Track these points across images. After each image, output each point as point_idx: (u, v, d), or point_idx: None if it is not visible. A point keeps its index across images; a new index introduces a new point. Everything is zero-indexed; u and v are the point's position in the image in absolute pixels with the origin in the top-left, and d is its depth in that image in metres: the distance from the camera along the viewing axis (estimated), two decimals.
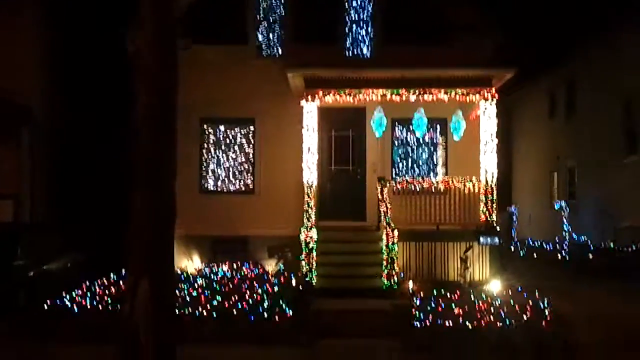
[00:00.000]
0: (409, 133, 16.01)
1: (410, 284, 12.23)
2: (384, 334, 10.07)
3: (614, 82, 19.95)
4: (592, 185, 21.57)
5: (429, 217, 13.56)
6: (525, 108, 29.51)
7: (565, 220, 21.40)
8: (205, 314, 10.09)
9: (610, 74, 20.24)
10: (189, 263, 15.46)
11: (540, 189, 26.65)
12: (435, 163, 16.22)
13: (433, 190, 14.58)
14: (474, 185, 13.51)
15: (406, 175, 15.83)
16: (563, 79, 24.27)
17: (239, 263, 14.44)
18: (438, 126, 15.82)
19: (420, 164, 16.25)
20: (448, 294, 11.35)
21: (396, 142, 16.13)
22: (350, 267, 12.63)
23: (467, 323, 9.91)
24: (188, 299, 10.63)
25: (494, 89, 13.56)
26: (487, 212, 13.34)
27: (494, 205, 13.40)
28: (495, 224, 13.39)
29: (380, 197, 13.07)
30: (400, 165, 16.21)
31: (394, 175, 15.72)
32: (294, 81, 13.73)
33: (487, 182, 13.45)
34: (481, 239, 13.25)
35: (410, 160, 16.25)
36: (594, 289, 14.87)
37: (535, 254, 23.11)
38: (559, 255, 21.10)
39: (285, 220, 15.00)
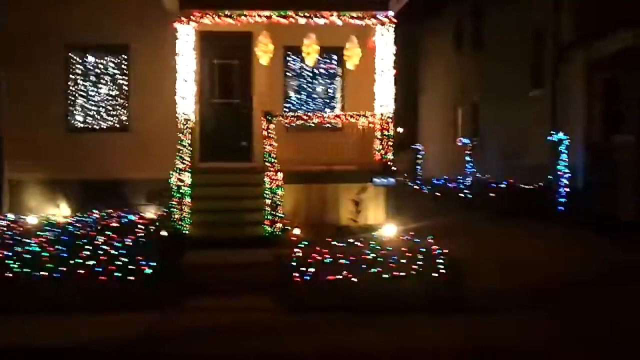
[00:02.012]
0: (302, 63, 14.51)
1: (297, 231, 11.01)
2: (260, 290, 8.82)
3: (523, 14, 19.07)
4: (497, 121, 20.94)
5: (320, 156, 12.27)
6: (431, 40, 28.57)
7: (468, 158, 20.78)
8: (41, 275, 8.46)
9: (519, 5, 19.32)
10: (57, 211, 13.67)
11: (446, 126, 25.99)
12: (331, 97, 14.90)
13: (327, 126, 13.31)
14: (368, 121, 12.27)
15: (299, 111, 14.45)
16: (471, 9, 23.29)
17: (111, 211, 12.78)
18: (335, 56, 14.42)
19: (315, 97, 14.88)
20: (337, 242, 10.21)
21: (288, 73, 14.65)
22: (230, 214, 11.23)
23: (353, 274, 8.77)
24: (30, 255, 8.96)
25: (391, 13, 12.19)
26: (382, 150, 12.17)
27: (390, 143, 12.23)
28: (391, 163, 12.26)
29: (265, 134, 11.62)
30: (294, 99, 14.78)
31: (286, 111, 14.31)
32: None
33: (382, 116, 12.23)
34: (375, 180, 12.12)
35: (304, 93, 14.84)
36: (495, 229, 14.24)
37: (438, 193, 22.63)
38: (460, 193, 20.60)
39: (165, 162, 13.31)
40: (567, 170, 15.00)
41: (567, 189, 14.96)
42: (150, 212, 13.31)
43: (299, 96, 14.82)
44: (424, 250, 9.77)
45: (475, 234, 13.40)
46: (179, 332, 7.47)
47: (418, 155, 28.39)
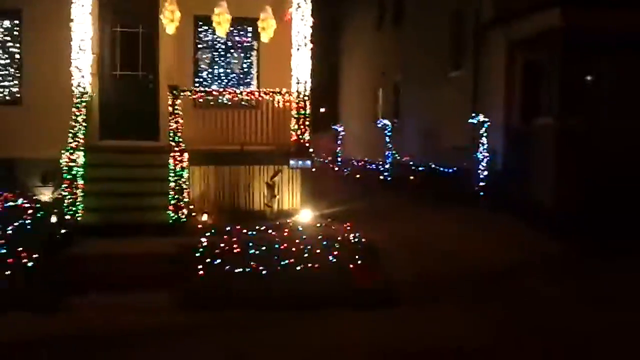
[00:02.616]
0: (215, 35, 13.51)
1: (205, 217, 10.14)
2: (158, 285, 7.91)
3: None
4: (418, 102, 20.56)
5: (232, 136, 11.40)
6: (353, 19, 27.96)
7: (387, 140, 20.32)
8: None
9: None
10: None
11: (367, 106, 25.49)
12: (247, 72, 13.93)
13: (242, 104, 12.38)
14: (284, 99, 11.47)
15: (212, 86, 13.44)
16: None
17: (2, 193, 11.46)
18: (250, 29, 13.47)
19: (230, 73, 13.87)
20: (249, 229, 9.42)
21: (200, 46, 13.58)
22: (131, 198, 10.21)
23: (263, 266, 8.00)
24: None
25: None
26: (299, 131, 11.41)
27: (307, 122, 11.49)
28: (308, 144, 11.53)
29: (170, 110, 10.64)
30: (206, 74, 13.73)
31: (197, 86, 13.27)
32: None
33: (299, 94, 11.46)
34: (291, 162, 11.38)
35: (217, 68, 13.80)
36: (414, 213, 13.80)
37: (358, 175, 22.15)
38: (380, 176, 20.16)
39: (65, 139, 12.07)
40: (487, 154, 14.70)
41: (487, 173, 14.66)
42: (46, 196, 12.12)
43: (211, 71, 13.76)
44: (341, 237, 9.12)
45: (394, 219, 12.90)
46: (49, 338, 6.46)
47: (339, 137, 27.85)
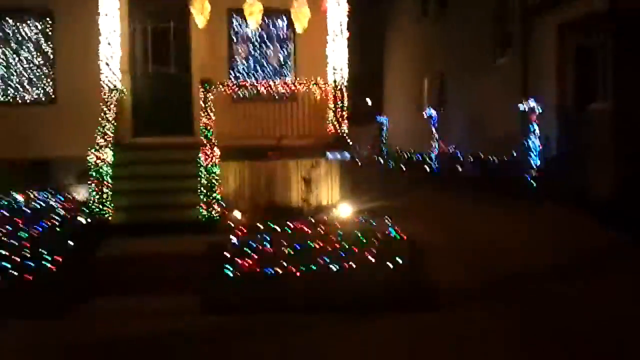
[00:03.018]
0: (250, 28, 13.10)
1: (238, 214, 9.72)
2: (189, 286, 7.52)
3: None
4: (465, 91, 19.77)
5: (268, 129, 10.97)
6: (397, 9, 27.25)
7: (434, 130, 19.60)
8: None
9: None
10: None
11: (412, 97, 24.77)
12: (283, 65, 13.46)
13: (278, 97, 11.91)
14: (320, 89, 10.97)
15: (247, 80, 13.03)
16: None
17: (37, 193, 11.31)
18: (285, 19, 13.00)
19: (265, 66, 13.43)
20: (284, 226, 8.98)
21: (234, 38, 13.19)
22: (162, 195, 9.89)
23: (298, 266, 7.52)
24: None
25: None
26: (336, 122, 10.89)
27: (344, 113, 10.95)
28: (346, 136, 10.99)
29: (203, 105, 10.26)
30: (241, 67, 13.33)
31: (232, 80, 12.88)
32: None
33: (336, 84, 10.94)
34: (329, 155, 10.87)
35: (253, 61, 13.39)
36: (463, 207, 13.10)
37: (403, 167, 21.53)
38: (427, 167, 19.49)
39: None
40: (538, 142, 13.88)
41: (540, 162, 13.84)
42: (81, 195, 11.90)
43: (247, 64, 13.35)
44: (381, 235, 8.57)
45: (441, 213, 12.24)
46: (72, 345, 6.12)
47: (382, 128, 27.20)
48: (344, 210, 10.54)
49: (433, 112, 19.85)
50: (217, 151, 9.71)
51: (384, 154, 25.84)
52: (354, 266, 7.62)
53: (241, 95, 11.53)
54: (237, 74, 13.11)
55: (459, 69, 20.08)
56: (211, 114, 10.14)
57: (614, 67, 12.43)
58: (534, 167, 13.76)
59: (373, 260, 7.70)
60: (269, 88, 10.95)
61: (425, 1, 23.30)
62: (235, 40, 13.16)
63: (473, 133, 18.57)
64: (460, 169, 17.06)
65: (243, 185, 10.81)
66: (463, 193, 15.13)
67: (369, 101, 32.17)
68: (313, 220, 9.40)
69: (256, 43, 13.33)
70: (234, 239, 8.16)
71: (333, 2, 10.93)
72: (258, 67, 13.38)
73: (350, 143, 11.12)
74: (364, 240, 8.25)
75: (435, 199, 14.43)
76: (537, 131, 13.95)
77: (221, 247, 8.04)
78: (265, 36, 13.26)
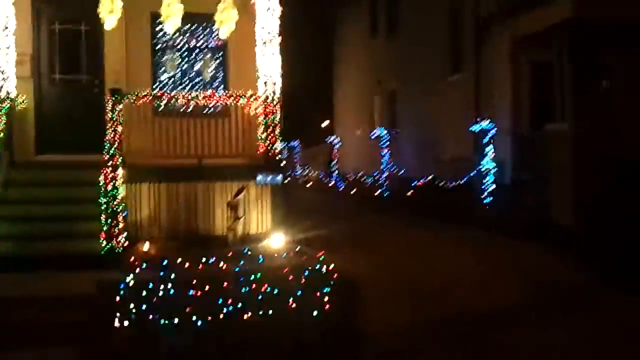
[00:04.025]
0: (178, 34, 11.81)
1: (146, 245, 8.32)
2: (71, 338, 6.07)
3: None
4: (415, 110, 18.79)
5: (188, 147, 9.61)
6: (346, 26, 26.35)
7: (384, 152, 18.50)
8: None
9: None
10: None
11: (363, 117, 23.71)
12: (214, 76, 12.16)
13: (203, 111, 10.54)
14: (249, 103, 9.69)
15: (173, 91, 11.65)
16: None
17: None
18: (212, 25, 11.73)
19: (195, 76, 12.11)
20: (200, 260, 7.64)
21: (158, 45, 11.84)
22: (60, 223, 8.40)
23: (208, 311, 6.16)
24: None
25: None
26: (267, 141, 9.60)
27: (277, 130, 9.68)
28: (278, 156, 9.71)
29: (109, 116, 8.85)
30: (165, 77, 11.96)
31: (157, 91, 11.48)
32: None
33: (267, 97, 9.67)
34: (258, 177, 9.56)
35: (180, 71, 12.05)
36: (410, 235, 11.90)
37: (352, 191, 20.42)
38: (375, 192, 18.37)
39: None
40: (492, 165, 12.84)
41: (494, 187, 12.80)
42: None
43: (174, 75, 12.02)
44: (311, 271, 7.29)
45: (385, 243, 11.00)
46: None
47: (334, 149, 26.09)
48: (276, 241, 9.25)
49: (382, 132, 18.79)
50: (120, 171, 8.30)
51: (334, 176, 24.72)
52: (274, 310, 6.30)
53: (163, 108, 10.16)
54: (163, 85, 11.75)
55: (411, 88, 19.11)
56: (118, 128, 8.73)
57: (573, 84, 11.52)
58: (488, 192, 12.70)
59: (294, 304, 6.40)
60: (189, 101, 9.57)
61: (375, 17, 22.36)
62: (160, 48, 11.81)
63: (425, 155, 17.54)
64: (409, 194, 15.93)
65: (159, 211, 9.39)
66: (411, 220, 13.99)
67: (324, 124, 31.13)
68: (234, 254, 8.07)
69: (185, 52, 12.01)
70: (130, 278, 6.75)
71: (262, 4, 9.71)
72: (186, 79, 12.06)
73: (284, 164, 9.84)
74: (290, 278, 6.97)
75: (380, 227, 13.21)
76: (491, 153, 12.93)
77: (113, 288, 6.62)
78: (195, 45, 11.96)
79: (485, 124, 12.96)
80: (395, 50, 20.40)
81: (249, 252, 8.35)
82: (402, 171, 18.00)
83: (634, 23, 10.84)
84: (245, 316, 6.15)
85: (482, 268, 8.90)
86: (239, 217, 9.33)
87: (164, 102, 9.54)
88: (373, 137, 19.19)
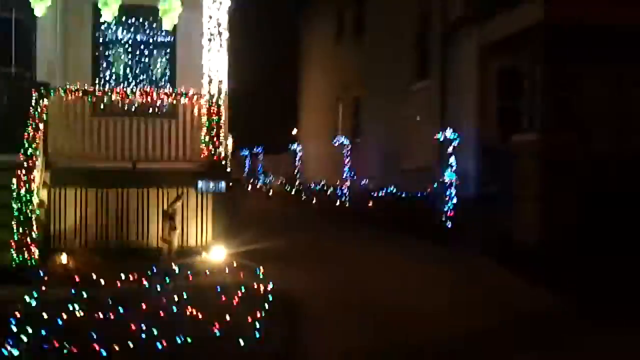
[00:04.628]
0: (121, 26, 10.97)
1: (64, 258, 7.38)
2: None
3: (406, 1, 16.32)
4: (380, 119, 18.03)
5: (123, 149, 8.72)
6: (312, 32, 25.61)
7: (346, 161, 17.76)
8: None
9: None
10: None
11: (326, 125, 22.91)
12: (162, 73, 11.30)
13: (147, 111, 9.65)
14: (191, 102, 8.84)
15: (119, 87, 10.74)
16: None
17: None
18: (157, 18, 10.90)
19: (140, 72, 11.24)
20: (131, 277, 6.76)
21: (102, 39, 10.96)
22: None
23: (128, 336, 5.26)
24: None
25: None
26: (211, 144, 8.75)
27: (222, 133, 8.83)
28: (224, 161, 8.86)
29: (32, 111, 7.93)
30: (108, 73, 11.09)
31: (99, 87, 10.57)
32: None
33: (212, 96, 8.82)
34: (200, 184, 8.69)
35: (125, 66, 11.18)
36: (366, 251, 11.09)
37: (313, 201, 19.68)
38: (336, 201, 17.60)
39: None
40: (454, 177, 12.13)
41: (457, 200, 12.08)
42: None
43: (117, 70, 11.15)
44: (245, 290, 6.45)
45: (337, 259, 10.13)
46: None
47: (296, 157, 25.29)
48: (216, 254, 8.40)
49: (344, 140, 18.04)
50: (36, 174, 7.36)
51: (296, 185, 23.90)
52: (195, 338, 5.42)
53: (103, 107, 9.26)
54: (105, 81, 10.84)
55: (375, 95, 18.38)
56: (40, 125, 7.80)
57: (542, 92, 10.87)
58: (450, 206, 11.98)
59: (221, 329, 5.54)
60: (124, 97, 8.68)
61: (342, 21, 21.65)
62: (103, 42, 10.93)
63: (388, 165, 16.79)
64: (369, 206, 15.18)
65: (85, 219, 8.46)
66: (369, 233, 13.21)
67: (293, 130, 30.32)
68: (163, 269, 7.19)
69: (131, 47, 11.15)
70: (29, 298, 5.82)
71: None
72: (132, 76, 11.18)
73: (229, 170, 8.98)
74: (223, 300, 6.12)
75: (335, 240, 12.36)
76: (455, 165, 12.22)
77: (9, 310, 5.68)
78: (142, 39, 11.11)
79: (448, 132, 12.25)
80: (360, 55, 19.69)
81: (182, 267, 7.47)
82: (365, 181, 17.24)
83: (607, 26, 10.26)
84: (161, 345, 5.26)
85: (437, 291, 8.09)
86: (175, 227, 8.44)
87: (97, 99, 8.61)
88: (336, 145, 18.43)
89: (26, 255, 7.07)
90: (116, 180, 8.58)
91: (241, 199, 22.85)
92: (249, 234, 10.12)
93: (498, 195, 11.24)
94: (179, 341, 5.21)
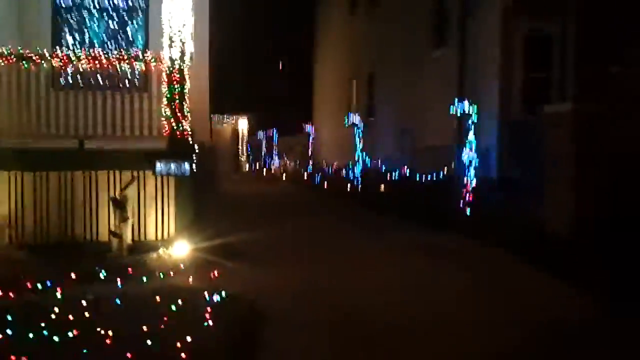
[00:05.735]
0: None
1: None
2: None
3: None
4: (395, 94, 16.44)
5: (67, 125, 7.29)
6: (325, 8, 23.98)
7: (358, 141, 16.19)
8: None
9: None
10: None
11: (340, 104, 21.36)
12: (132, 39, 9.93)
13: (111, 82, 8.23)
14: (149, 67, 7.37)
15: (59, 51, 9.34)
16: None
17: None
18: None
19: (107, 39, 9.91)
20: (73, 275, 5.38)
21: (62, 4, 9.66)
22: None
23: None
24: None
25: None
26: (172, 119, 7.28)
27: (186, 105, 7.34)
28: (188, 139, 7.38)
29: None
30: (71, 39, 9.79)
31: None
32: None
33: (173, 61, 7.33)
34: (158, 166, 7.23)
35: (90, 32, 9.87)
36: (369, 243, 9.51)
37: (326, 184, 18.30)
38: (348, 185, 16.12)
39: None
40: (475, 157, 10.48)
41: (476, 182, 10.44)
42: None
43: (81, 36, 9.83)
44: (204, 296, 5.01)
45: (333, 252, 8.57)
46: None
47: (310, 139, 23.86)
48: (181, 249, 6.96)
49: (357, 120, 16.46)
50: None
51: (309, 167, 22.50)
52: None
53: (56, 79, 7.93)
54: (67, 47, 9.48)
55: (390, 70, 16.79)
56: None
57: (576, 58, 9.19)
58: (468, 190, 10.35)
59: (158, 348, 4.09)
60: (67, 62, 7.24)
61: None
62: (63, 6, 9.60)
63: (403, 144, 15.20)
64: (381, 189, 13.63)
65: (21, 209, 7.07)
66: (378, 221, 11.67)
67: (308, 112, 28.91)
68: (106, 269, 5.77)
69: (99, 10, 9.79)
70: None
71: None
72: (98, 41, 9.84)
73: (196, 149, 7.48)
74: (173, 311, 4.68)
75: (336, 229, 10.85)
76: (474, 142, 10.59)
77: None
78: (109, 5, 9.75)
79: (466, 105, 10.61)
80: (375, 30, 18.07)
81: (125, 267, 6.04)
82: (378, 162, 15.67)
83: None
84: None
85: (450, 295, 6.49)
86: (127, 217, 7.01)
87: (34, 64, 7.19)
88: (347, 126, 16.89)
89: None
90: (59, 162, 7.16)
91: (245, 183, 21.54)
92: (230, 224, 8.70)
93: (523, 178, 9.61)
94: None
